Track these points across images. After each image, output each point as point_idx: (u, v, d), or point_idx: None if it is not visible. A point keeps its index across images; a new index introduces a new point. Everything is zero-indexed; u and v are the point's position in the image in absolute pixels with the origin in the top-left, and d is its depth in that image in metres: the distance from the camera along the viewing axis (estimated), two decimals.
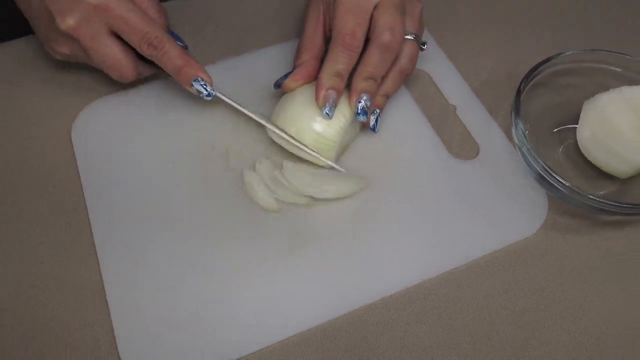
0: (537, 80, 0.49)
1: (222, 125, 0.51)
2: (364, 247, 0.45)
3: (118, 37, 0.46)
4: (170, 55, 0.46)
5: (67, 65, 0.53)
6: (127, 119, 0.51)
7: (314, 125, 0.46)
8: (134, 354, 0.40)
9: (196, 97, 0.51)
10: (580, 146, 0.48)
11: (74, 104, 0.52)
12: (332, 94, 0.45)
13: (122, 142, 0.50)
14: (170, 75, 0.48)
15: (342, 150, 0.49)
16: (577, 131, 0.48)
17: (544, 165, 0.44)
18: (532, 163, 0.45)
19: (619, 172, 0.47)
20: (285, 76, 0.48)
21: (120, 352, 0.40)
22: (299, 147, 0.47)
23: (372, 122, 0.49)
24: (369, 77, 0.46)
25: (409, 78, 0.52)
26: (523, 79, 0.47)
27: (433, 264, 0.44)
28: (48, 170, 0.49)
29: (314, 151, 0.47)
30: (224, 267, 0.44)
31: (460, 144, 0.50)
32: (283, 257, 0.44)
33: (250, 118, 0.48)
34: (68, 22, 0.45)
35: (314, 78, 0.48)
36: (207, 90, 0.47)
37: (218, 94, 0.48)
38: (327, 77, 0.45)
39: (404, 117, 0.52)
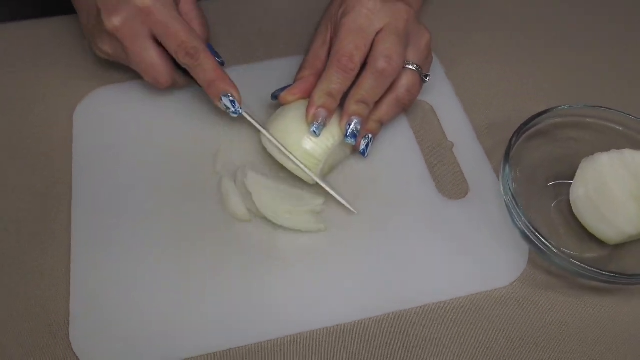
0: (538, 130, 0.47)
1: (217, 129, 0.51)
2: (330, 270, 0.44)
3: (159, 44, 0.47)
4: (204, 68, 0.47)
5: (81, 49, 0.55)
6: (128, 109, 0.53)
7: (303, 141, 0.46)
8: (85, 340, 0.41)
9: (198, 95, 0.52)
10: (572, 204, 0.46)
11: (82, 88, 0.54)
12: (322, 112, 0.45)
13: (119, 131, 0.51)
14: (201, 87, 0.48)
15: (329, 170, 0.49)
16: (571, 188, 0.46)
17: (526, 221, 0.42)
18: (515, 216, 0.43)
19: (607, 237, 0.45)
20: (284, 89, 0.48)
21: (71, 338, 0.41)
22: (291, 161, 0.46)
23: (362, 147, 0.48)
24: (360, 101, 0.46)
25: (409, 108, 0.51)
26: (517, 130, 0.45)
27: (393, 299, 0.43)
28: (45, 147, 0.50)
29: (305, 166, 0.46)
30: (189, 268, 0.44)
31: (450, 183, 0.49)
32: (245, 268, 0.44)
33: (256, 131, 0.48)
34: (114, 21, 0.46)
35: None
36: (234, 108, 0.47)
37: (244, 114, 0.48)
38: (319, 95, 0.45)
39: (398, 146, 0.51)
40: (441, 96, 0.54)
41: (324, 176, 0.49)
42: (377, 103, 0.47)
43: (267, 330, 0.42)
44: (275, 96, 0.49)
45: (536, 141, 0.47)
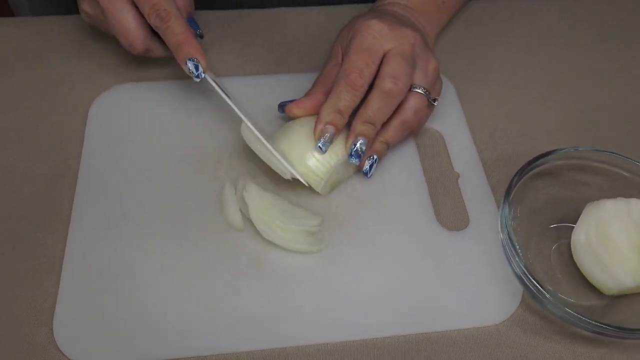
0: (544, 169, 0.46)
1: (224, 134, 0.52)
2: (318, 288, 0.44)
3: (136, 8, 0.48)
4: (173, 30, 0.47)
5: (108, 43, 0.56)
6: (143, 108, 0.54)
7: (306, 157, 0.46)
8: (70, 337, 0.41)
9: (212, 100, 0.52)
10: (572, 249, 0.45)
11: (102, 83, 0.55)
12: (330, 129, 0.45)
13: (131, 128, 0.52)
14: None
15: (331, 189, 0.49)
16: (573, 232, 0.45)
17: (520, 263, 0.41)
18: (510, 256, 0.42)
19: (604, 287, 0.43)
20: (291, 101, 0.49)
21: (55, 335, 0.41)
22: (269, 152, 0.46)
23: (366, 167, 0.48)
24: (367, 121, 0.45)
25: (418, 131, 0.50)
26: (519, 170, 0.44)
27: (377, 325, 0.43)
28: (50, 146, 0.51)
29: (282, 159, 0.46)
30: (181, 270, 0.44)
31: (451, 214, 0.48)
32: (236, 276, 0.44)
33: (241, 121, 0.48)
34: None
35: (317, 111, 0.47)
36: (197, 72, 0.47)
37: (208, 78, 0.48)
38: (327, 112, 0.45)
39: (403, 171, 0.50)
40: (452, 125, 0.53)
41: (325, 194, 0.48)
42: (385, 125, 0.47)
43: (245, 340, 0.42)
44: (282, 107, 0.49)
45: (542, 181, 0.46)
